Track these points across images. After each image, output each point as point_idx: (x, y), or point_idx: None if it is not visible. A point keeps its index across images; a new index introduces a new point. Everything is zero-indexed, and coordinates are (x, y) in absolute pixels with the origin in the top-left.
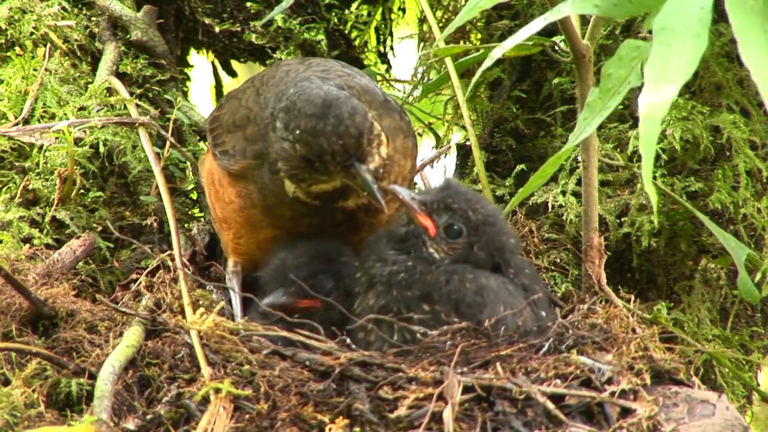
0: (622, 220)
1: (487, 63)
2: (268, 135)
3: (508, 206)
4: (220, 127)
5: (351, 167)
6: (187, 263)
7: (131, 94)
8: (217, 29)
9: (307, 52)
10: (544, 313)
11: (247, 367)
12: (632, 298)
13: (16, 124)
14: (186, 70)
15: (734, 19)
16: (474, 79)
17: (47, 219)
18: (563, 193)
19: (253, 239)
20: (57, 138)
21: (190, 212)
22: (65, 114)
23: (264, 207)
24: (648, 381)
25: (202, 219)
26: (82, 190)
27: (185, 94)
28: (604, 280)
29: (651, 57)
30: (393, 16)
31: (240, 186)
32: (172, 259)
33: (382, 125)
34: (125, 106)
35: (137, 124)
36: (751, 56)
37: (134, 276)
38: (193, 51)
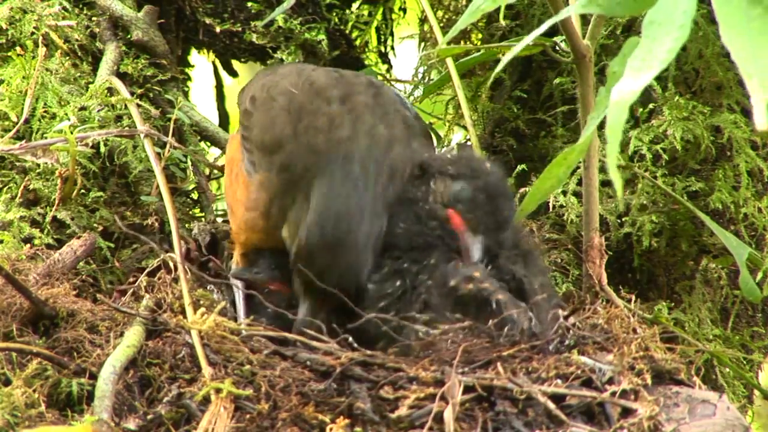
0: (623, 220)
1: (499, 67)
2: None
3: (521, 212)
4: (249, 130)
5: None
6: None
7: (132, 94)
8: (217, 29)
9: (308, 52)
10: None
11: (247, 367)
12: (633, 298)
13: (18, 130)
14: (187, 70)
15: (716, 2)
16: (489, 82)
17: (48, 219)
18: (564, 193)
19: (253, 237)
20: (57, 159)
21: (191, 212)
22: (66, 114)
23: (266, 224)
24: (649, 381)
25: (203, 219)
26: (82, 190)
27: (186, 94)
28: (604, 280)
29: (636, 49)
30: (394, 16)
31: (252, 191)
32: (173, 260)
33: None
34: (126, 106)
35: (137, 135)
36: (732, 39)
37: (132, 279)
38: (193, 51)
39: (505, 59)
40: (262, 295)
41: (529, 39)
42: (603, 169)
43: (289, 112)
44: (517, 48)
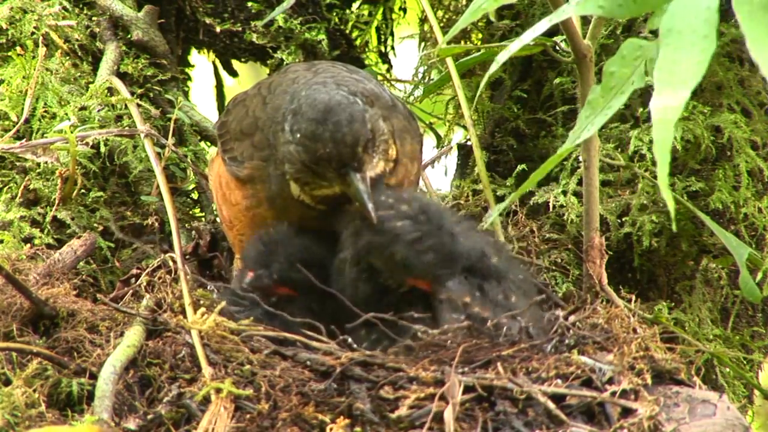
0: (623, 219)
1: (494, 68)
2: (277, 136)
3: (506, 202)
4: (228, 133)
5: (346, 175)
6: (189, 258)
7: (132, 93)
8: (218, 29)
9: (308, 52)
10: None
11: (248, 366)
12: (633, 298)
13: (18, 130)
14: (187, 70)
15: (741, 16)
16: (482, 83)
17: (48, 219)
18: (564, 193)
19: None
20: (58, 159)
21: (191, 212)
22: (66, 114)
23: (271, 209)
24: (649, 381)
25: (203, 219)
26: (83, 190)
27: (186, 94)
28: (605, 280)
29: (659, 60)
30: (394, 15)
31: (247, 189)
32: (173, 260)
33: (390, 128)
34: (126, 105)
35: (137, 135)
36: (760, 52)
37: (134, 271)
38: (194, 51)
39: (501, 58)
40: (271, 303)
41: (526, 38)
42: (603, 169)
43: (259, 94)
44: (513, 46)
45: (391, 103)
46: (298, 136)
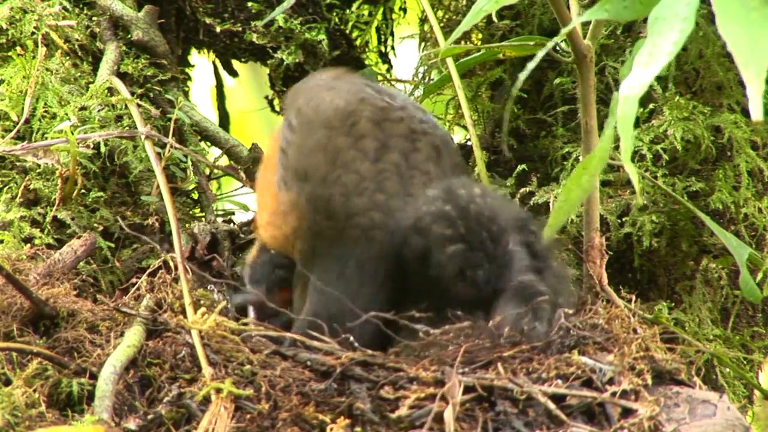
0: (624, 220)
1: (518, 84)
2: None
3: (550, 227)
4: (290, 144)
5: None
6: (188, 261)
7: (132, 93)
8: (218, 29)
9: (308, 52)
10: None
11: (248, 366)
12: (633, 298)
13: (18, 130)
14: (187, 70)
15: None
16: (514, 94)
17: (48, 219)
18: None
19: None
20: (58, 159)
21: (191, 212)
22: (66, 114)
23: (283, 237)
24: (649, 381)
25: (203, 219)
26: (83, 190)
27: (186, 94)
28: (605, 281)
29: (643, 47)
30: (394, 15)
31: (279, 203)
32: (173, 260)
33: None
34: (126, 106)
35: (138, 136)
36: (728, 29)
37: (133, 280)
38: (194, 51)
39: (522, 77)
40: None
41: (541, 54)
42: (603, 169)
43: (325, 152)
44: (530, 65)
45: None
46: None
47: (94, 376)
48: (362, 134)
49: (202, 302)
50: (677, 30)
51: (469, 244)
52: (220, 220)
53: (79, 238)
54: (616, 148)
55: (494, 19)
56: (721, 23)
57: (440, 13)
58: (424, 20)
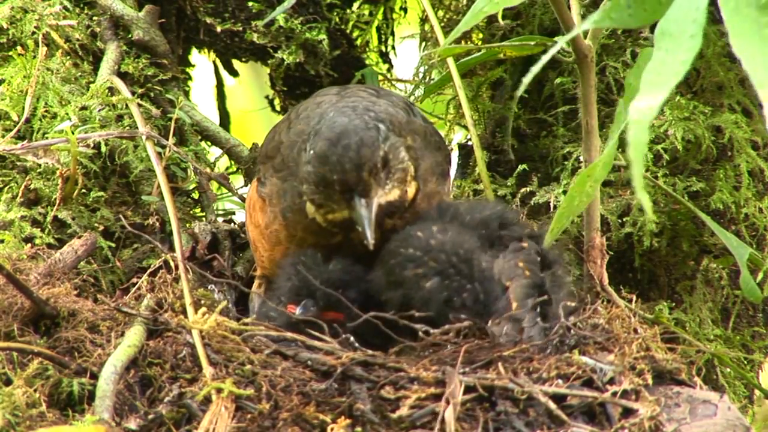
0: (624, 220)
1: (521, 90)
2: (300, 156)
3: (552, 232)
4: (259, 157)
5: (351, 199)
6: (188, 261)
7: (133, 93)
8: (218, 29)
9: (309, 51)
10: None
11: (248, 366)
12: (634, 298)
13: (19, 129)
14: (187, 70)
15: (725, 10)
16: (517, 96)
17: (49, 219)
18: (565, 192)
19: (276, 254)
20: (59, 159)
21: (191, 212)
22: (67, 113)
23: (284, 222)
24: (650, 381)
25: (203, 219)
26: (83, 190)
27: (187, 94)
28: (605, 280)
29: (651, 63)
30: (394, 15)
31: (266, 207)
32: (174, 259)
33: (413, 158)
34: (127, 105)
35: (139, 136)
36: (743, 48)
37: (134, 280)
38: (194, 50)
39: (526, 80)
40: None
41: (546, 59)
42: None
43: (288, 118)
44: (534, 68)
45: (423, 130)
46: (312, 154)
47: (94, 376)
48: (320, 93)
49: (202, 302)
50: (685, 48)
51: (443, 274)
52: (220, 219)
53: (79, 237)
54: (617, 147)
55: (499, 20)
56: (735, 42)
57: (441, 13)
58: (424, 20)
